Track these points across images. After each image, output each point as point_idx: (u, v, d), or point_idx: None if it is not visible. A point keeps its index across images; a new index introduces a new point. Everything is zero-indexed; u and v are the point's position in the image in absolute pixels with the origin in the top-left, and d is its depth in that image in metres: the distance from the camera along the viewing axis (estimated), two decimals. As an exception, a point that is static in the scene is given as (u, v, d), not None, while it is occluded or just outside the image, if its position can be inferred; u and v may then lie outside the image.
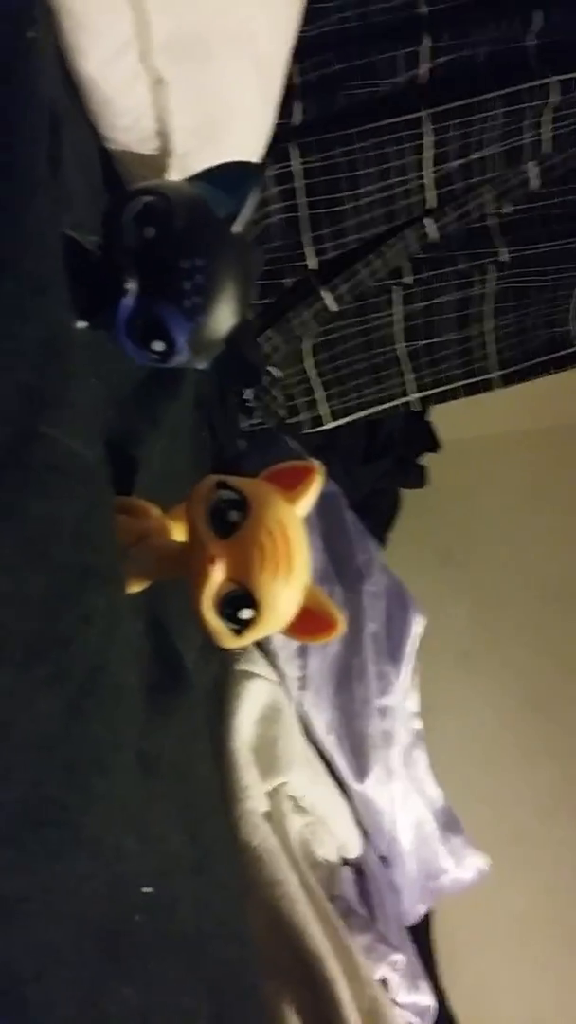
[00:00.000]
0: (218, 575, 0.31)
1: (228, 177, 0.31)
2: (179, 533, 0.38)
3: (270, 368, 0.80)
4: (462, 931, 1.23)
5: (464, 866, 0.94)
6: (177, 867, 0.34)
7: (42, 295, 0.23)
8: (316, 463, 0.35)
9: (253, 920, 0.53)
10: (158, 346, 0.30)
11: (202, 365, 0.33)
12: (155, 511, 0.39)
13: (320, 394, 0.86)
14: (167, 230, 0.30)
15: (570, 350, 0.87)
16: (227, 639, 0.32)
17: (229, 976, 0.38)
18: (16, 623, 0.22)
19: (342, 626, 0.33)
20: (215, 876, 0.39)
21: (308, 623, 0.33)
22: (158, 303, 0.30)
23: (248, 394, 0.81)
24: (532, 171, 0.70)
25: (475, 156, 0.67)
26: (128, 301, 0.29)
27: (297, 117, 0.65)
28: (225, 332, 0.31)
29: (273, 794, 0.66)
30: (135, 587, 0.36)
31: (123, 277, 0.29)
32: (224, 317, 0.31)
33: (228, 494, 0.32)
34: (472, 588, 1.58)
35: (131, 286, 0.29)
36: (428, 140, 0.65)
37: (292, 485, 0.34)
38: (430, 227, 0.70)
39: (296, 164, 0.66)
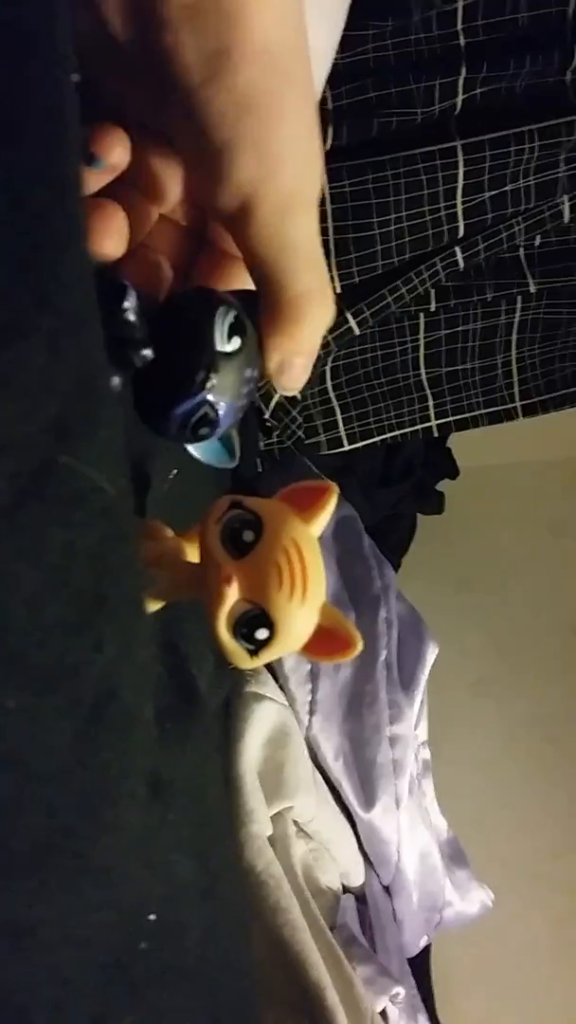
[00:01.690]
0: (233, 595, 0.31)
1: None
2: (193, 554, 0.38)
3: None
4: (462, 965, 1.22)
5: (469, 900, 0.94)
6: (185, 894, 0.34)
7: (77, 334, 0.23)
8: (331, 483, 0.35)
9: (255, 946, 0.53)
10: (204, 431, 0.34)
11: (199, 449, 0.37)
12: (169, 533, 0.39)
13: (339, 416, 0.86)
14: (247, 342, 0.33)
15: (593, 384, 0.87)
16: (243, 660, 0.32)
17: (231, 1005, 0.38)
18: (31, 652, 0.22)
19: (359, 645, 0.33)
20: (223, 902, 0.39)
21: (325, 642, 0.33)
22: (222, 402, 0.33)
23: (267, 413, 0.81)
24: (565, 204, 0.70)
25: (508, 187, 0.67)
26: (203, 395, 0.32)
27: (329, 142, 0.66)
28: (238, 423, 0.36)
29: (278, 818, 0.65)
30: (149, 609, 0.36)
31: (205, 377, 0.32)
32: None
33: (242, 514, 0.32)
34: (487, 617, 1.58)
35: (211, 384, 0.32)
36: (461, 170, 0.65)
37: (307, 505, 0.34)
38: (459, 256, 0.70)
39: (325, 189, 0.66)
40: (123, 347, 0.32)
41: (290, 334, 0.33)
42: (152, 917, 0.29)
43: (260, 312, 0.34)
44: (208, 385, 0.32)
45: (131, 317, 0.32)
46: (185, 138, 0.31)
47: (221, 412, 0.33)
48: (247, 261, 0.33)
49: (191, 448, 0.37)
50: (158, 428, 0.34)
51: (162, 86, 0.30)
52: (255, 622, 0.31)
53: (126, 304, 0.31)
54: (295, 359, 0.34)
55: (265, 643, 0.32)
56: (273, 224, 0.31)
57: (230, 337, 0.33)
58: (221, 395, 0.33)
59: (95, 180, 0.32)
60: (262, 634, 0.31)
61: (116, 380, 0.31)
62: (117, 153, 0.32)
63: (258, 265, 0.32)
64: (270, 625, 0.31)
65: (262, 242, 0.31)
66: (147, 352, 0.32)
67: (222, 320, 0.33)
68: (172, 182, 0.35)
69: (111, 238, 0.32)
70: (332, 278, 0.70)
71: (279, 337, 0.33)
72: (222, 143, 0.29)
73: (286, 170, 0.30)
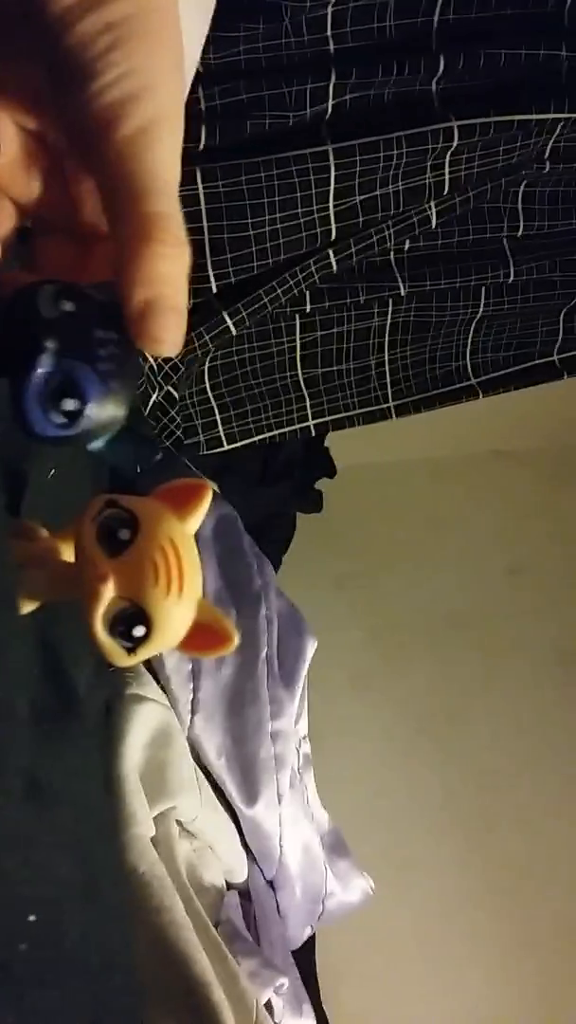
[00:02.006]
0: (109, 593, 0.31)
1: None
2: (69, 553, 0.37)
3: (169, 388, 0.80)
4: (344, 954, 1.24)
5: (351, 889, 0.95)
6: (65, 894, 0.34)
7: None
8: (206, 481, 0.35)
9: (139, 946, 0.53)
10: (69, 404, 0.31)
11: (98, 442, 0.33)
12: (43, 532, 0.38)
13: (218, 416, 0.86)
14: (84, 305, 0.31)
15: (464, 384, 0.90)
16: (120, 658, 0.32)
17: (112, 1005, 0.38)
18: None
19: (236, 639, 0.33)
20: (104, 903, 0.39)
21: (202, 637, 0.33)
22: (73, 364, 0.31)
23: (145, 412, 0.81)
24: (432, 210, 0.72)
25: (378, 192, 0.68)
26: (46, 359, 0.30)
27: (202, 142, 0.66)
28: (126, 408, 0.33)
29: (161, 819, 0.65)
30: (25, 609, 0.36)
31: (40, 341, 0.30)
32: (127, 393, 0.32)
33: (118, 512, 0.33)
34: (366, 613, 1.61)
35: (50, 345, 0.30)
36: (332, 174, 0.67)
37: (183, 502, 0.34)
38: (331, 259, 0.72)
39: (200, 188, 0.66)
40: None
41: (149, 258, 0.31)
42: (32, 918, 0.29)
43: (115, 264, 0.32)
44: (44, 353, 0.30)
45: None
46: (60, 67, 0.31)
47: (82, 379, 0.31)
48: (101, 184, 0.32)
49: (99, 448, 0.34)
50: (29, 428, 0.32)
51: (37, 27, 0.30)
52: (132, 619, 0.31)
53: None
54: (162, 297, 0.32)
55: (142, 640, 0.32)
56: (138, 140, 0.31)
57: (57, 303, 0.31)
58: (71, 359, 0.31)
59: None
60: (139, 631, 0.31)
61: None
62: None
63: (117, 182, 0.31)
64: (147, 622, 0.31)
65: (125, 157, 0.31)
66: None
67: (46, 294, 0.31)
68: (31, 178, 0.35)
69: None
70: (208, 278, 0.70)
71: (139, 263, 0.31)
72: (97, 65, 0.30)
73: (155, 96, 0.31)
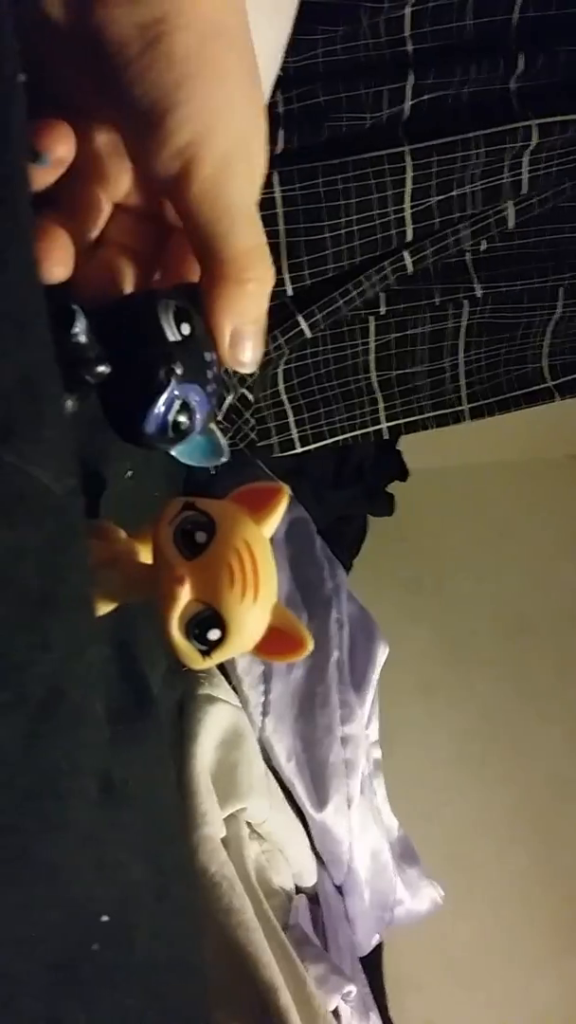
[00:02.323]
0: (185, 596, 0.31)
1: None
2: (146, 555, 0.38)
3: (244, 391, 0.81)
4: (412, 963, 1.23)
5: (419, 897, 0.94)
6: (137, 895, 0.34)
7: (19, 333, 0.23)
8: (282, 485, 0.35)
9: (207, 947, 0.53)
10: (183, 424, 0.34)
11: (183, 447, 0.36)
12: (121, 534, 0.39)
13: (291, 419, 0.86)
14: (196, 325, 0.33)
15: (540, 386, 0.88)
16: (195, 660, 0.32)
17: (181, 1006, 0.38)
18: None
19: (310, 645, 0.33)
20: (175, 904, 0.39)
21: (276, 642, 0.33)
22: (190, 388, 0.33)
23: (220, 415, 0.81)
24: (510, 210, 0.71)
25: (455, 192, 0.68)
26: (172, 384, 0.33)
27: (279, 146, 0.66)
28: (215, 416, 0.36)
29: (231, 820, 0.65)
30: (101, 610, 0.36)
31: (168, 365, 0.32)
32: (216, 402, 0.35)
33: (195, 515, 0.33)
34: (436, 617, 1.59)
35: (177, 371, 0.32)
36: (409, 175, 0.66)
37: (259, 506, 0.34)
38: (407, 260, 0.71)
39: (277, 192, 0.66)
40: (76, 367, 0.32)
41: (235, 296, 0.33)
42: (104, 918, 0.29)
43: (204, 296, 0.34)
44: (172, 378, 0.32)
45: (81, 339, 0.32)
46: (127, 113, 0.31)
47: (194, 402, 0.33)
48: (187, 226, 0.33)
49: (176, 452, 0.36)
50: (138, 438, 0.34)
51: (102, 65, 0.30)
52: (207, 623, 0.31)
53: (75, 328, 0.32)
54: (245, 327, 0.34)
55: (217, 643, 0.32)
56: (213, 183, 0.31)
57: (178, 325, 0.33)
58: (189, 384, 0.33)
59: (42, 177, 0.32)
60: (214, 635, 0.31)
61: (69, 402, 0.32)
62: (62, 148, 0.32)
63: (199, 227, 0.32)
64: (222, 625, 0.31)
65: (203, 203, 0.31)
66: (102, 368, 0.32)
67: (165, 312, 0.33)
68: (121, 168, 0.35)
69: (58, 264, 0.32)
70: (283, 281, 0.70)
71: (225, 301, 0.33)
72: (162, 109, 0.30)
73: (225, 130, 0.30)
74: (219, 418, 0.84)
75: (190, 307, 0.34)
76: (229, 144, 0.30)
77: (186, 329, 0.33)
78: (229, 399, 0.80)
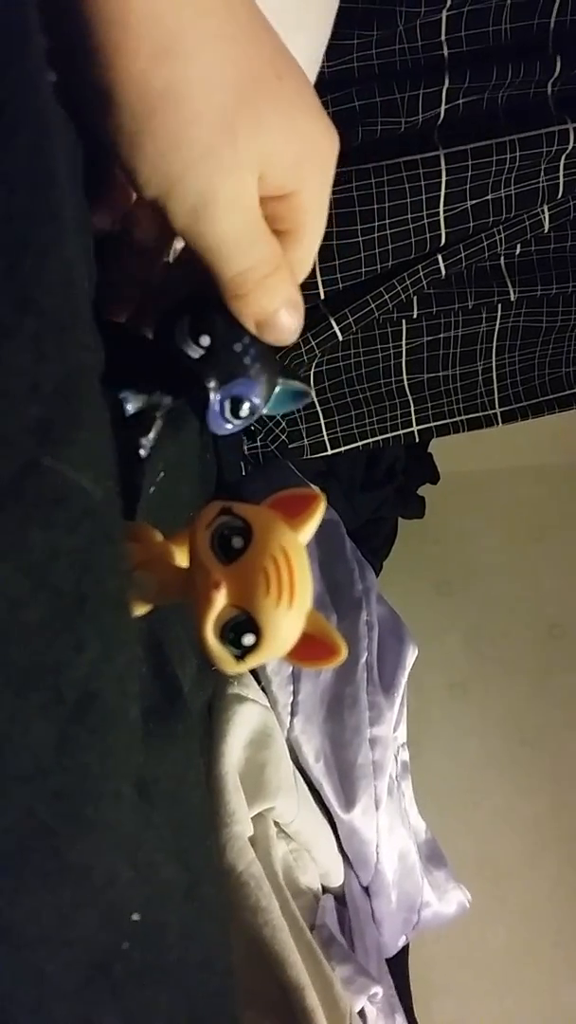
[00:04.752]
0: (221, 600, 0.31)
1: None
2: (182, 559, 0.38)
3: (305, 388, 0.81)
4: (439, 965, 1.23)
5: (446, 900, 0.94)
6: (167, 894, 0.34)
7: (61, 335, 0.24)
8: (319, 491, 0.35)
9: (235, 946, 0.53)
10: (244, 412, 0.37)
11: (268, 408, 0.39)
12: (158, 536, 0.39)
13: (322, 421, 0.86)
14: (215, 329, 0.35)
15: (573, 391, 0.88)
16: (229, 665, 0.32)
17: (210, 1006, 0.38)
18: (11, 651, 0.23)
19: (344, 652, 0.33)
20: (204, 903, 0.39)
21: (309, 649, 0.33)
22: (233, 384, 0.36)
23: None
24: (545, 214, 0.71)
25: (490, 197, 0.68)
26: (215, 397, 0.35)
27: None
28: (277, 374, 0.38)
29: (259, 819, 0.65)
30: (136, 612, 0.37)
31: (201, 382, 0.35)
32: (273, 362, 0.37)
33: (232, 520, 0.33)
34: (467, 620, 1.59)
35: (212, 384, 0.35)
36: (443, 179, 0.66)
37: (296, 512, 0.34)
38: (441, 264, 0.71)
39: None
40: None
41: (244, 304, 0.35)
42: (135, 917, 0.30)
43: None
44: (209, 392, 0.35)
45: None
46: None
47: (241, 390, 0.36)
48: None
49: (267, 411, 0.39)
50: (211, 432, 0.37)
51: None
52: (242, 627, 0.32)
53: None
54: (268, 319, 0.35)
55: (252, 649, 0.32)
56: (190, 225, 0.32)
57: (198, 338, 0.35)
58: (228, 385, 0.35)
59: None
60: (249, 640, 0.32)
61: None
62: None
63: (194, 255, 0.33)
64: (257, 631, 0.31)
65: (188, 239, 0.32)
66: (167, 401, 0.36)
67: (181, 332, 0.35)
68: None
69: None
70: (315, 284, 0.70)
71: (237, 308, 0.35)
72: (129, 164, 0.30)
73: (191, 180, 0.30)
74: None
75: (205, 311, 0.35)
76: (201, 189, 0.31)
77: (205, 341, 0.35)
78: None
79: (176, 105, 0.29)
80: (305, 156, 0.33)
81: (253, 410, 0.37)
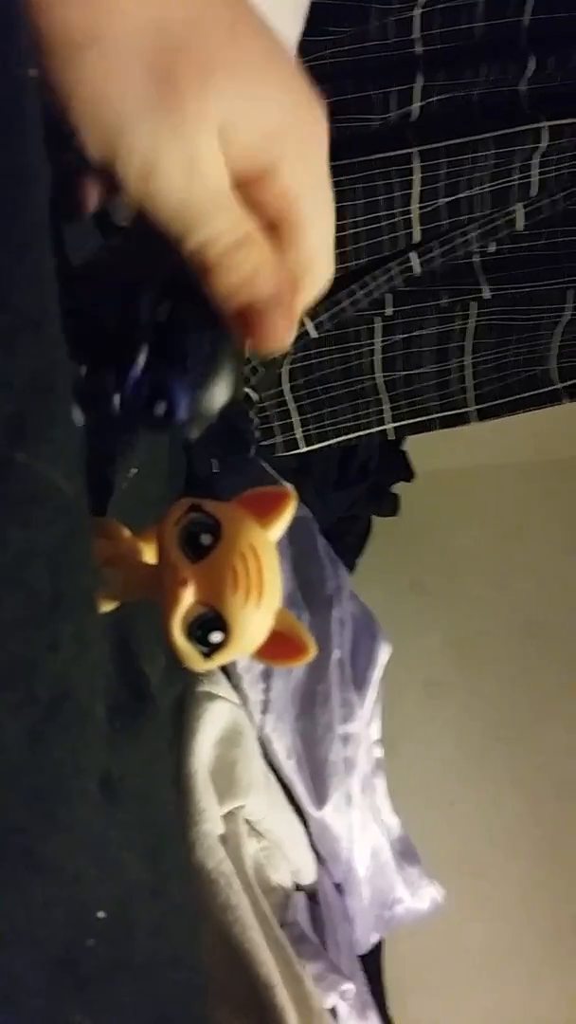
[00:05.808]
0: (188, 598, 0.31)
1: None
2: (150, 555, 0.38)
3: (247, 391, 0.81)
4: (412, 962, 1.23)
5: (419, 896, 0.94)
6: (135, 892, 0.34)
7: (33, 332, 0.23)
8: (290, 489, 0.35)
9: (204, 944, 0.53)
10: (160, 409, 0.33)
11: (194, 434, 0.35)
12: (125, 532, 0.39)
13: (295, 418, 0.86)
14: (180, 307, 0.33)
15: (548, 388, 0.88)
16: (196, 662, 0.32)
17: (178, 1003, 0.38)
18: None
19: (313, 651, 0.33)
20: (172, 901, 0.39)
21: (279, 647, 0.33)
22: (164, 372, 0.33)
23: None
24: (519, 212, 0.71)
25: (463, 195, 0.68)
26: (136, 369, 0.33)
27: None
28: (221, 405, 0.35)
29: (229, 817, 0.65)
30: (104, 608, 0.36)
31: (134, 348, 0.33)
32: (221, 390, 0.34)
33: (201, 517, 0.33)
34: (441, 618, 1.59)
35: (141, 357, 0.33)
36: (417, 176, 0.66)
37: (266, 510, 0.34)
38: (414, 261, 0.71)
39: None
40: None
41: (215, 281, 0.32)
42: (101, 915, 0.30)
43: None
44: (136, 362, 0.33)
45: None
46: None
47: (172, 384, 0.33)
48: None
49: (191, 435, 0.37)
50: (119, 419, 0.35)
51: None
52: (210, 625, 0.31)
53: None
54: (241, 306, 0.33)
55: (219, 646, 0.32)
56: (142, 190, 0.30)
57: (157, 307, 0.33)
58: (163, 367, 0.33)
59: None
60: (216, 637, 0.31)
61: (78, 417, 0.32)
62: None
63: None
64: (225, 628, 0.31)
65: (144, 206, 0.30)
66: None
67: (147, 297, 0.33)
68: None
69: None
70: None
71: (209, 281, 0.32)
72: (75, 133, 0.29)
73: (133, 133, 0.29)
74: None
75: (179, 297, 0.33)
76: (144, 150, 0.29)
77: (163, 314, 0.33)
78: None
79: (100, 52, 0.28)
80: (281, 128, 0.31)
81: (170, 416, 0.34)
